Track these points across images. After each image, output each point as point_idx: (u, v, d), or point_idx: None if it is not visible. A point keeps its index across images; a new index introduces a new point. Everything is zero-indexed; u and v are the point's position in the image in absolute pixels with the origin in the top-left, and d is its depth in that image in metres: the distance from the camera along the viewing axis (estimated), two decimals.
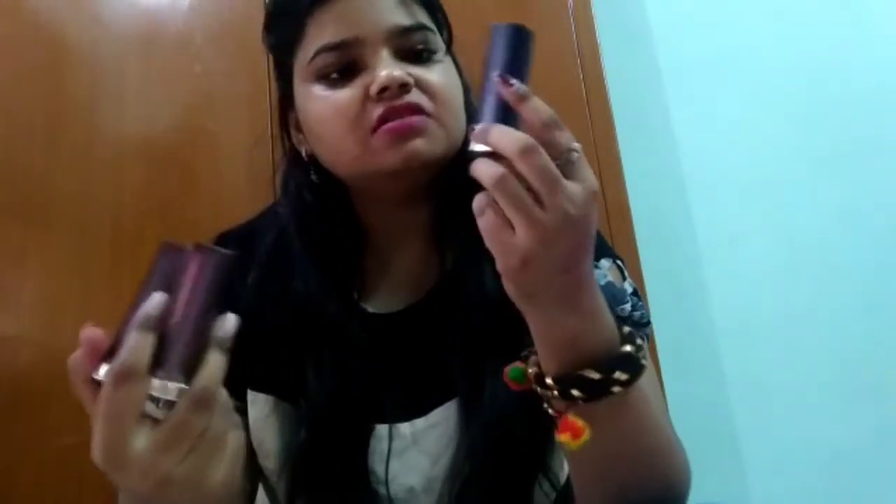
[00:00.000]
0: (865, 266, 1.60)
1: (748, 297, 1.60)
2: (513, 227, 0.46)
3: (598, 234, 0.80)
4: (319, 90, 0.64)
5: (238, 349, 0.68)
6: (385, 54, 0.63)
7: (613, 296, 0.71)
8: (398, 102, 0.61)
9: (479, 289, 0.67)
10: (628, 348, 0.52)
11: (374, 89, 0.61)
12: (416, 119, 0.61)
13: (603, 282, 0.71)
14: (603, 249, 0.77)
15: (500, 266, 0.49)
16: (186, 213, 1.16)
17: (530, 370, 0.54)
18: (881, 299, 1.58)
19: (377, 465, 0.66)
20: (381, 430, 0.67)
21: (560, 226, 0.45)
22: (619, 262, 0.76)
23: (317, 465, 0.65)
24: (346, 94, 0.63)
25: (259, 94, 1.22)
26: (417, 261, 0.73)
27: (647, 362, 0.54)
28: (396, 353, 0.69)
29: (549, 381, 0.51)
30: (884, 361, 1.55)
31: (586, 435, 0.49)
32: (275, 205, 0.78)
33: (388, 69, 0.61)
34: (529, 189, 0.45)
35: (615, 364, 0.50)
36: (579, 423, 0.50)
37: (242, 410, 0.68)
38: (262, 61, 1.23)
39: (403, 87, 0.61)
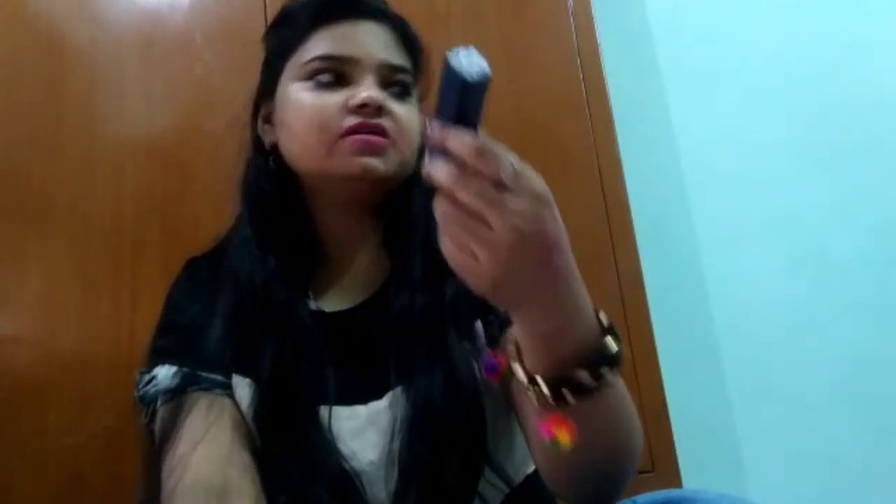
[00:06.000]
0: (865, 266, 1.60)
1: (748, 297, 1.60)
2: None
3: None
4: (305, 89, 0.74)
5: (222, 337, 0.72)
6: (371, 80, 0.73)
7: None
8: (371, 120, 0.71)
9: (412, 291, 0.74)
10: (612, 343, 0.53)
11: (355, 102, 0.71)
12: (379, 140, 0.71)
13: None
14: None
15: (473, 289, 0.50)
16: (186, 213, 1.16)
17: (517, 366, 0.56)
18: (881, 299, 1.58)
19: (339, 443, 0.71)
20: (341, 411, 0.72)
21: (515, 242, 0.46)
22: None
23: (269, 439, 0.71)
24: (328, 99, 0.72)
25: None
26: (366, 268, 0.80)
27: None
28: (347, 345, 0.76)
29: (539, 380, 0.53)
30: (884, 361, 1.55)
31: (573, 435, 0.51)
32: (235, 223, 0.83)
33: (371, 91, 0.71)
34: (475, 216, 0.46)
35: (603, 361, 0.52)
36: (569, 420, 0.51)
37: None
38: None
39: (379, 110, 0.71)
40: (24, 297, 1.09)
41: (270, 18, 1.26)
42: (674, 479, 1.18)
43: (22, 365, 1.06)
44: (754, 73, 1.72)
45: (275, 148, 0.78)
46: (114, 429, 1.03)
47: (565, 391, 0.52)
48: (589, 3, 1.42)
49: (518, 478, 0.74)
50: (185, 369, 0.72)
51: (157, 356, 0.75)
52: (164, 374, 0.72)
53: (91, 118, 1.18)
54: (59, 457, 1.03)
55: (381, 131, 0.71)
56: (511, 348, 0.57)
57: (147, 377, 0.74)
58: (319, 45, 0.74)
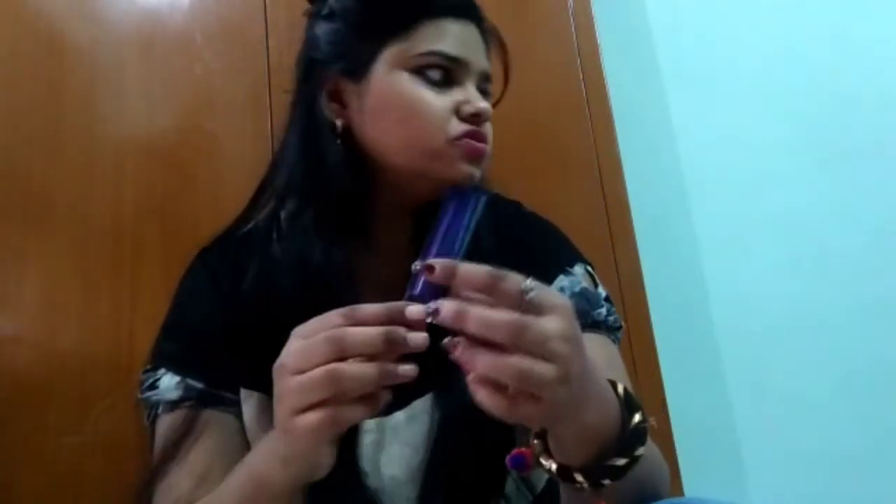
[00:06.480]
0: (866, 266, 1.60)
1: (748, 298, 1.60)
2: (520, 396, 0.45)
3: (568, 240, 0.83)
4: (415, 82, 0.70)
5: (232, 347, 0.70)
6: (472, 86, 0.72)
7: (588, 301, 0.74)
8: (481, 129, 0.71)
9: None
10: (639, 418, 0.53)
11: (469, 109, 0.70)
12: (486, 148, 0.71)
13: (577, 288, 0.74)
14: (575, 255, 0.80)
15: (530, 425, 0.51)
16: (186, 213, 1.16)
17: (545, 463, 0.55)
18: (881, 299, 1.58)
19: (362, 459, 0.68)
20: (364, 425, 0.69)
21: (565, 370, 0.44)
22: (589, 268, 0.79)
23: None
24: (442, 100, 0.70)
25: (259, 94, 1.22)
26: (396, 265, 0.75)
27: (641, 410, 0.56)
28: None
29: (578, 477, 0.53)
30: (884, 361, 1.55)
31: None
32: (248, 209, 0.80)
33: (481, 101, 0.71)
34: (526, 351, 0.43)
35: (635, 441, 0.52)
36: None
37: (240, 405, 0.71)
38: (262, 61, 1.23)
39: (485, 119, 0.71)
40: (24, 297, 1.09)
41: (271, 18, 1.27)
42: (674, 479, 1.18)
43: (22, 365, 1.06)
44: (754, 73, 1.72)
45: (346, 130, 0.73)
46: (114, 429, 1.03)
47: (606, 480, 0.52)
48: (589, 3, 1.42)
49: (541, 484, 0.73)
50: (187, 380, 0.70)
51: (162, 358, 0.73)
52: (167, 383, 0.70)
53: (91, 118, 1.18)
54: (58, 457, 1.03)
55: (485, 141, 0.71)
56: (535, 442, 0.56)
57: (151, 379, 0.72)
58: (432, 38, 0.70)
